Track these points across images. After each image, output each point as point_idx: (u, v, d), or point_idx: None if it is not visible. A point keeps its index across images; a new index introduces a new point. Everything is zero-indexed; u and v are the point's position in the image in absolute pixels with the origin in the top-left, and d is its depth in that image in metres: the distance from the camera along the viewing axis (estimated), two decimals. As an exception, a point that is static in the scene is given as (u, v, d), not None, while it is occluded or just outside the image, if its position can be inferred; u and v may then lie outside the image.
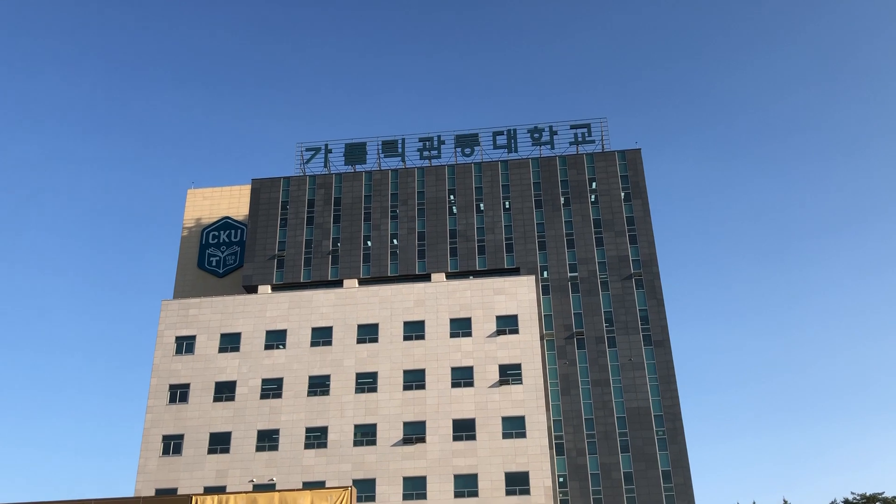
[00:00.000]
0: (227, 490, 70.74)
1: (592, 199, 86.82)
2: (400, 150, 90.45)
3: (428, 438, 72.02)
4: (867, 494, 76.87)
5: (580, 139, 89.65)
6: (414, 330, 77.52)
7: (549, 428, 74.43)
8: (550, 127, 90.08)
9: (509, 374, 74.25)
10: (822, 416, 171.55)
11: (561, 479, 74.53)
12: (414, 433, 72.50)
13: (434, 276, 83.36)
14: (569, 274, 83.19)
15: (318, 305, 79.55)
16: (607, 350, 79.42)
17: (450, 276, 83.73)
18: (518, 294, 78.04)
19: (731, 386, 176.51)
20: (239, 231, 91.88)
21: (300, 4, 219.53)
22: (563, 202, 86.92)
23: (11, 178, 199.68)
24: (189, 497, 41.38)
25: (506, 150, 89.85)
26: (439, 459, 71.14)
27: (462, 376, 74.77)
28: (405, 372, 75.42)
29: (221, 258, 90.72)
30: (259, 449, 73.38)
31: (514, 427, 71.89)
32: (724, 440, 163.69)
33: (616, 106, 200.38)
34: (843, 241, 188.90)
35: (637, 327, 79.99)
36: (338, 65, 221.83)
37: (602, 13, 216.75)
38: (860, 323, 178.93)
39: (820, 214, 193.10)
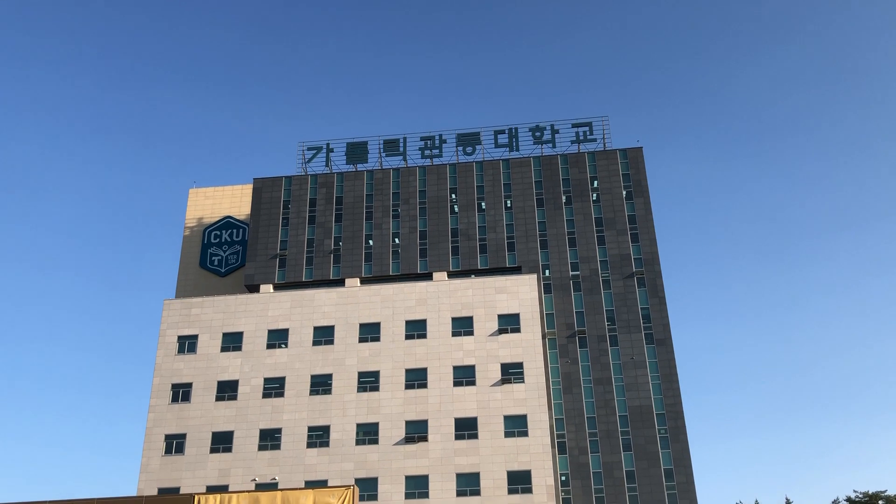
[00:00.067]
0: (230, 489, 70.80)
1: (594, 198, 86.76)
2: (401, 149, 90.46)
3: (430, 437, 72.04)
4: (869, 493, 76.82)
5: (582, 138, 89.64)
6: (416, 329, 77.54)
7: (551, 426, 74.46)
8: (552, 125, 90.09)
9: (511, 372, 74.25)
10: (824, 414, 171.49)
11: (563, 478, 74.55)
12: (416, 432, 72.52)
13: (436, 275, 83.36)
14: (570, 272, 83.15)
15: (319, 304, 79.59)
16: (609, 348, 79.40)
17: (451, 275, 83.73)
18: (520, 293, 78.02)
19: (733, 384, 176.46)
20: (241, 230, 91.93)
21: (301, 4, 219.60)
22: (564, 201, 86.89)
23: (13, 177, 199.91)
24: (191, 496, 41.43)
25: (507, 149, 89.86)
26: (441, 458, 71.16)
27: (464, 375, 74.78)
28: (407, 371, 75.44)
29: (223, 257, 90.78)
30: (261, 448, 73.44)
31: (516, 426, 71.89)
32: (726, 439, 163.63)
33: (618, 104, 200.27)
34: (844, 240, 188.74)
35: (639, 326, 79.97)
36: (339, 64, 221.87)
37: (603, 12, 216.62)
38: (862, 322, 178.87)
39: (821, 213, 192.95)
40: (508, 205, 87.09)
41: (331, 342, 77.66)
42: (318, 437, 73.51)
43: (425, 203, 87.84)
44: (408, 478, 70.75)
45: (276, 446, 73.36)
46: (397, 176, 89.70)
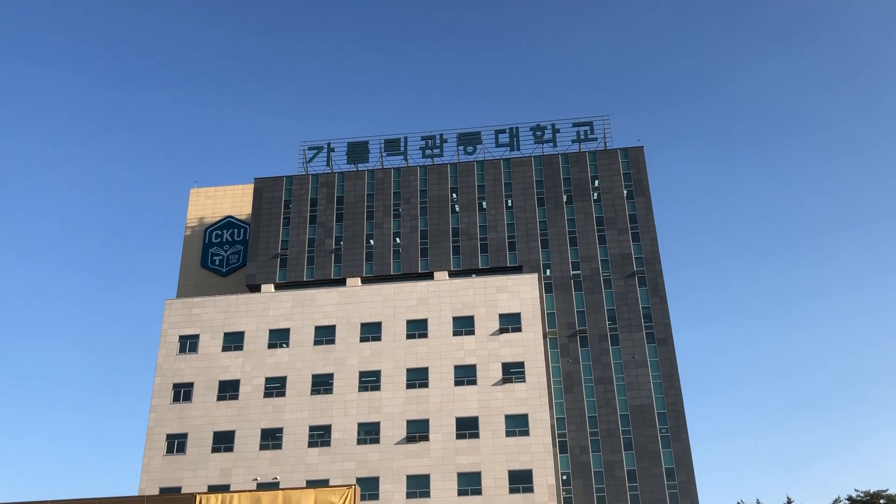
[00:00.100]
0: (231, 489, 70.84)
1: (595, 197, 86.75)
2: (402, 148, 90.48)
3: (431, 436, 72.08)
4: (871, 492, 76.78)
5: (583, 137, 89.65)
6: (417, 328, 77.57)
7: (552, 426, 74.46)
8: (553, 125, 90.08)
9: (512, 372, 74.28)
10: (826, 413, 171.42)
11: (564, 477, 74.57)
12: (417, 431, 72.56)
13: (437, 275, 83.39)
14: (571, 272, 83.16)
15: (321, 304, 79.64)
16: (610, 348, 79.42)
17: (452, 275, 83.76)
18: (521, 292, 78.04)
19: (734, 383, 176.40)
20: (242, 230, 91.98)
21: (303, 4, 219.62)
22: (565, 200, 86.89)
23: (14, 176, 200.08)
24: (193, 496, 41.40)
25: (508, 148, 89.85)
26: (443, 457, 71.19)
27: (465, 374, 74.80)
28: (408, 370, 75.48)
29: (224, 257, 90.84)
30: (263, 447, 73.50)
31: (517, 425, 71.91)
32: (728, 438, 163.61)
33: (618, 104, 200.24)
34: (846, 239, 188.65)
35: (640, 325, 79.98)
36: (340, 64, 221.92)
37: (604, 11, 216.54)
38: (863, 321, 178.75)
39: (823, 213, 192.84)
40: (509, 204, 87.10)
41: (332, 342, 77.70)
42: (320, 436, 73.56)
43: (426, 202, 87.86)
44: (409, 477, 70.79)
45: (278, 446, 73.41)
46: (398, 175, 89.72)
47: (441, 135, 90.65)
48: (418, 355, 76.08)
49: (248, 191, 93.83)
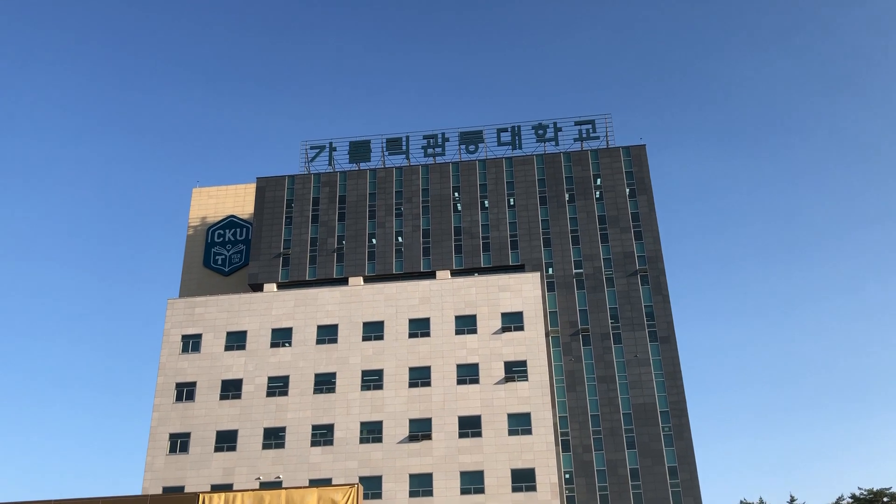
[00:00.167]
0: (234, 488, 70.93)
1: (597, 196, 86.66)
2: (404, 147, 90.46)
3: (434, 435, 72.10)
4: (874, 490, 76.77)
5: (585, 135, 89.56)
6: (419, 327, 77.56)
7: (554, 424, 74.44)
8: (555, 123, 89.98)
9: (515, 370, 74.25)
10: (829, 412, 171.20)
11: (567, 476, 74.54)
12: (420, 430, 72.57)
13: (439, 274, 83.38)
14: (574, 270, 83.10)
15: (323, 303, 79.68)
16: (613, 346, 79.35)
17: (455, 274, 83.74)
18: (523, 291, 78.00)
19: (737, 382, 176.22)
20: (244, 229, 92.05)
21: (305, 3, 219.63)
22: (567, 199, 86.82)
23: (17, 175, 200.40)
24: (196, 495, 41.46)
25: (510, 147, 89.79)
26: (445, 456, 71.21)
27: (467, 373, 74.79)
28: (411, 369, 75.49)
29: (227, 257, 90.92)
30: (265, 447, 73.57)
31: (519, 424, 71.90)
32: (731, 436, 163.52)
33: (620, 102, 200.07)
34: (849, 238, 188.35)
35: (643, 323, 79.89)
36: (342, 63, 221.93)
37: (606, 10, 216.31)
38: (866, 320, 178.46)
39: (826, 212, 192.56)
40: (511, 203, 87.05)
41: (334, 341, 77.75)
42: (322, 435, 73.61)
43: (428, 201, 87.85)
44: (412, 476, 70.82)
45: (281, 445, 73.47)
46: (400, 174, 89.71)
47: (443, 134, 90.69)
48: (421, 354, 76.09)
49: (250, 190, 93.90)
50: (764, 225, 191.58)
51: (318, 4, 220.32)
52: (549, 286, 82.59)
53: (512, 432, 71.59)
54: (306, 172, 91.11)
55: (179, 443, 74.60)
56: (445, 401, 73.59)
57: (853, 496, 78.20)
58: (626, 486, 73.61)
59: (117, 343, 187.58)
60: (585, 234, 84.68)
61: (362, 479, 69.87)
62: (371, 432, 73.22)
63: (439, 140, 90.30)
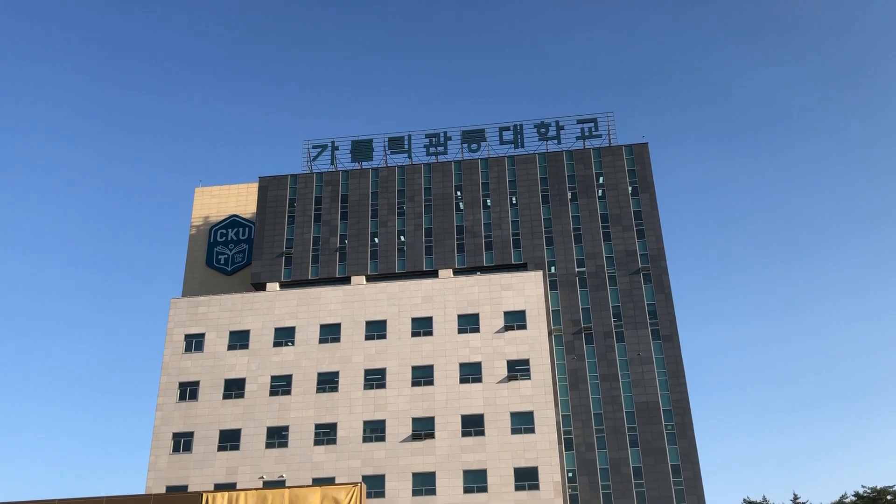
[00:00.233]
0: (238, 487, 71.03)
1: (600, 194, 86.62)
2: (406, 146, 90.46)
3: (437, 434, 72.14)
4: (878, 488, 76.72)
5: (587, 134, 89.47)
6: (422, 326, 77.59)
7: (557, 423, 74.43)
8: (557, 122, 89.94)
9: (517, 369, 74.25)
10: (832, 411, 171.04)
11: (570, 474, 74.56)
12: (423, 429, 72.62)
13: (441, 273, 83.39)
14: (576, 269, 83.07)
15: (326, 302, 79.73)
16: (615, 345, 79.33)
17: (457, 273, 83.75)
18: (525, 289, 77.99)
19: (740, 381, 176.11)
20: (247, 229, 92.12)
21: (307, 2, 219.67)
22: (570, 197, 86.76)
23: (19, 174, 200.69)
24: (199, 494, 41.54)
25: (512, 146, 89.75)
26: (448, 455, 71.24)
27: (470, 372, 74.80)
28: (413, 368, 75.53)
29: (230, 256, 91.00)
30: (269, 446, 73.65)
31: (522, 422, 71.92)
32: (734, 435, 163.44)
33: (622, 101, 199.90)
34: (851, 237, 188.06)
35: (645, 322, 79.85)
36: (344, 62, 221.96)
37: (608, 9, 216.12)
38: (869, 319, 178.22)
39: (828, 211, 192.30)
40: (514, 201, 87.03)
41: (337, 340, 77.81)
42: (325, 434, 73.68)
43: (430, 200, 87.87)
44: (415, 475, 70.87)
45: (284, 444, 73.56)
46: (402, 173, 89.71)
47: (445, 132, 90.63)
48: (423, 353, 76.12)
49: (252, 190, 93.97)
50: (766, 224, 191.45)
51: (320, 4, 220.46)
52: (552, 285, 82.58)
53: (515, 431, 71.62)
54: (308, 172, 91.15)
55: (183, 442, 74.71)
56: (448, 399, 73.62)
57: (856, 494, 78.16)
58: (629, 485, 73.58)
59: (120, 343, 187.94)
60: (588, 232, 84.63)
61: (365, 478, 69.94)
62: (374, 431, 73.27)
63: (441, 139, 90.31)
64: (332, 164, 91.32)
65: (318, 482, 69.38)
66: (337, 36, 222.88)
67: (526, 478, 69.62)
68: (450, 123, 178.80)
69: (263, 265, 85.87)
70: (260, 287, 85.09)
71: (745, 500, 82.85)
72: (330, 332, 78.30)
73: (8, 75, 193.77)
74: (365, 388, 75.12)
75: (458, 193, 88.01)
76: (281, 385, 76.22)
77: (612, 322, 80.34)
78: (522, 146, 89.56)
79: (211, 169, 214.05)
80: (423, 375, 75.18)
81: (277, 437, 74.03)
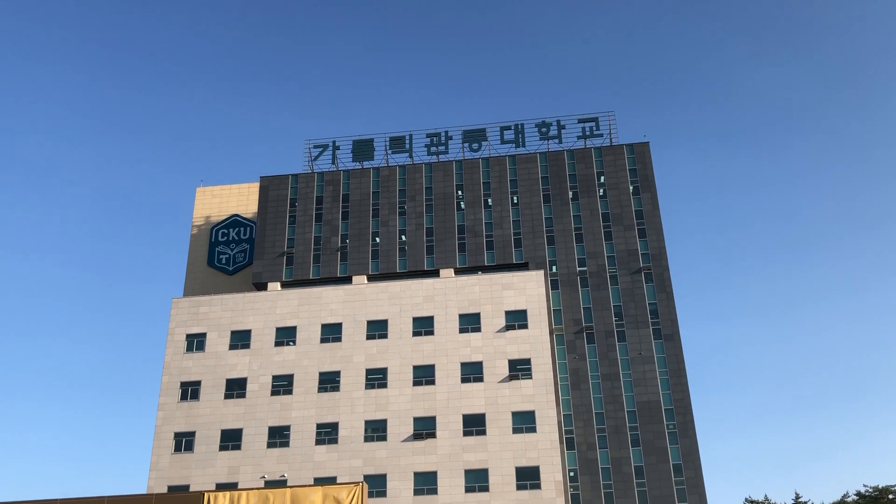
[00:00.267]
0: (239, 487, 71.07)
1: (601, 193, 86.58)
2: (407, 145, 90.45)
3: (438, 434, 72.14)
4: (880, 487, 76.65)
5: (588, 133, 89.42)
6: (423, 326, 77.59)
7: (559, 422, 74.41)
8: (558, 121, 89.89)
9: (519, 369, 74.24)
10: (834, 410, 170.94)
11: (571, 474, 74.55)
12: (424, 428, 72.63)
13: (442, 272, 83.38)
14: (578, 268, 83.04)
15: (327, 302, 79.74)
16: (617, 344, 79.29)
17: (458, 272, 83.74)
18: (527, 289, 77.97)
19: (741, 381, 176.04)
20: (248, 228, 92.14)
21: (308, 2, 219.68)
22: (571, 196, 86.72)
23: (20, 175, 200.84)
24: (201, 494, 41.59)
25: (513, 145, 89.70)
26: (450, 454, 71.25)
27: (471, 371, 74.80)
28: (415, 367, 75.53)
29: (231, 256, 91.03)
30: (270, 445, 73.69)
31: (524, 422, 71.92)
32: (736, 434, 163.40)
33: (624, 100, 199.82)
34: (852, 236, 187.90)
35: (647, 321, 79.81)
36: (345, 62, 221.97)
37: (609, 8, 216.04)
38: (871, 318, 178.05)
39: (830, 210, 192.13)
40: (515, 201, 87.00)
41: (338, 339, 77.83)
42: (327, 434, 73.70)
43: (432, 200, 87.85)
44: (416, 474, 70.88)
45: (285, 443, 73.59)
46: (403, 173, 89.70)
47: (446, 132, 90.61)
48: (425, 353, 76.12)
49: (253, 189, 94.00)
50: (766, 223, 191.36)
51: (322, 3, 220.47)
52: (553, 284, 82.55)
53: (516, 430, 71.61)
54: (310, 171, 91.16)
55: (184, 442, 74.75)
56: (450, 399, 73.63)
57: (858, 493, 78.10)
58: (630, 484, 73.56)
59: (122, 342, 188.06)
60: (589, 231, 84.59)
61: (367, 478, 69.96)
62: (375, 431, 73.28)
63: (442, 138, 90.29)
64: (333, 163, 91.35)
65: (319, 482, 69.41)
66: (338, 35, 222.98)
67: (527, 477, 69.62)
68: (451, 123, 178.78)
69: (265, 265, 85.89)
70: (261, 287, 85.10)
71: (746, 499, 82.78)
72: (331, 332, 78.32)
73: (8, 75, 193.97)
74: (366, 388, 75.13)
75: (460, 193, 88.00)
76: (282, 385, 76.24)
77: (613, 321, 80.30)
78: (523, 145, 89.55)
79: (212, 169, 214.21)
80: (424, 375, 75.18)
81: (279, 436, 74.06)
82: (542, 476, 69.36)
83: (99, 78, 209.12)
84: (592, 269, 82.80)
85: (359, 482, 41.40)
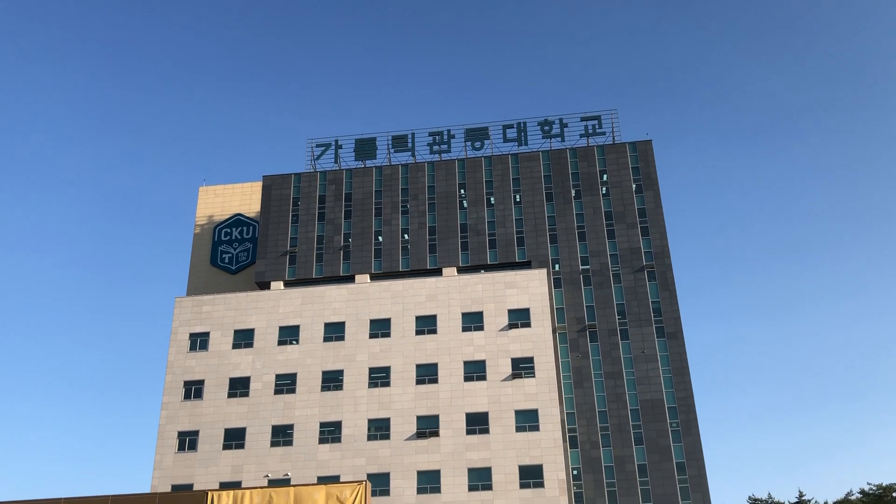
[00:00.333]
0: (243, 485, 71.13)
1: (603, 192, 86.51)
2: (410, 144, 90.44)
3: (441, 432, 72.16)
4: (883, 485, 76.58)
5: (591, 131, 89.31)
6: (426, 324, 77.59)
7: (562, 421, 74.42)
8: (561, 119, 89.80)
9: (522, 367, 74.22)
10: (837, 409, 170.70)
11: (575, 472, 74.52)
12: (427, 427, 72.64)
13: (445, 271, 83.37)
14: (580, 267, 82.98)
15: (330, 301, 79.77)
16: (620, 342, 79.23)
17: (461, 271, 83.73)
18: (530, 287, 77.94)
19: (745, 379, 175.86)
20: (251, 228, 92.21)
21: (310, 1, 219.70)
22: (574, 195, 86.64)
23: (22, 174, 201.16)
24: (205, 493, 41.63)
25: (516, 144, 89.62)
26: (453, 453, 71.26)
27: (475, 370, 74.79)
28: (418, 366, 75.54)
29: (234, 255, 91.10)
30: (273, 444, 73.77)
31: (527, 420, 71.90)
32: (739, 433, 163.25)
33: (627, 98, 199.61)
34: (855, 235, 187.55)
35: (650, 319, 79.74)
36: (347, 61, 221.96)
37: (612, 6, 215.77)
38: (873, 318, 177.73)
39: (832, 208, 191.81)
40: (517, 199, 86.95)
41: (341, 338, 77.85)
42: (330, 432, 73.75)
43: (434, 198, 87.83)
44: (420, 473, 70.91)
45: (289, 442, 73.65)
46: (406, 172, 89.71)
47: (448, 130, 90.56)
48: (427, 351, 76.14)
49: (256, 188, 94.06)
50: (769, 222, 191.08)
51: (324, 2, 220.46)
52: (556, 282, 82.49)
53: (519, 429, 71.59)
54: (312, 170, 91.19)
55: (188, 441, 74.85)
56: (453, 397, 73.64)
57: (862, 491, 78.04)
58: (633, 483, 73.54)
59: (125, 342, 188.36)
60: (592, 230, 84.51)
61: (370, 476, 70.01)
62: (379, 429, 73.32)
63: (445, 137, 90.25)
64: (335, 162, 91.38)
65: (322, 480, 69.45)
66: (340, 35, 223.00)
67: (531, 476, 69.61)
68: (453, 122, 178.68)
69: (268, 264, 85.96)
70: (264, 286, 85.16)
71: (750, 497, 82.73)
72: (334, 331, 78.36)
73: (8, 75, 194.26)
74: (369, 387, 75.16)
75: (462, 191, 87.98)
76: (286, 383, 76.30)
77: (616, 319, 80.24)
78: (526, 144, 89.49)
79: (215, 168, 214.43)
80: (427, 373, 75.19)
81: (282, 435, 74.14)
82: (546, 474, 69.36)
83: (100, 78, 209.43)
84: (595, 267, 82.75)
85: (362, 481, 41.43)
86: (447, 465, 70.84)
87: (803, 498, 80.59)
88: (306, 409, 74.77)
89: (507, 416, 72.20)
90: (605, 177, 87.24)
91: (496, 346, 75.50)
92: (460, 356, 75.49)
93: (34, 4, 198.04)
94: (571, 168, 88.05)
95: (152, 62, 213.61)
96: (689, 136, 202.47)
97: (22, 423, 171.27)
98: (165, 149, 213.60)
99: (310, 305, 79.76)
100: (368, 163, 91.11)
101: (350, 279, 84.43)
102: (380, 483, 70.23)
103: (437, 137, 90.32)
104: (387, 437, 72.74)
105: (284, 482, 70.52)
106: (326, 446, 73.15)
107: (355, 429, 73.35)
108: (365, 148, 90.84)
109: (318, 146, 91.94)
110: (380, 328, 77.95)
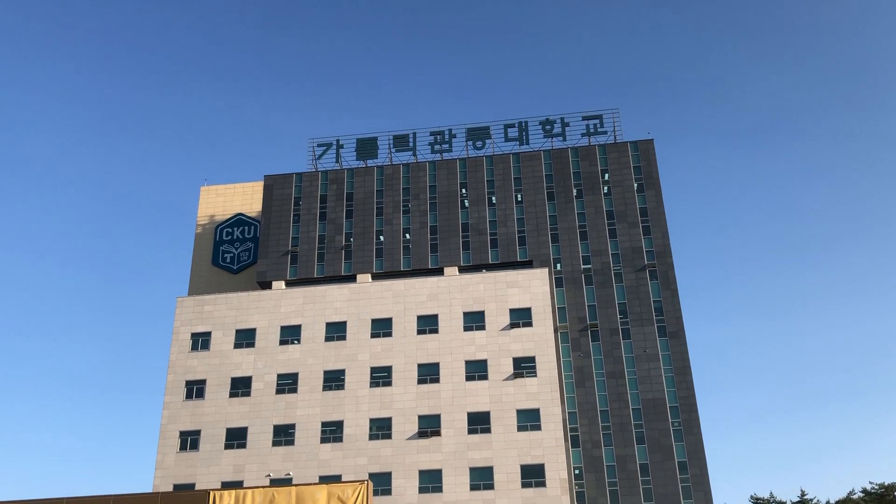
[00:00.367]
0: (244, 485, 71.14)
1: (605, 191, 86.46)
2: (411, 144, 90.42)
3: (443, 432, 72.15)
4: (885, 484, 76.50)
5: (592, 130, 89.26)
6: (427, 324, 77.57)
7: (564, 420, 74.36)
8: (562, 119, 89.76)
9: (523, 366, 74.20)
10: (839, 408, 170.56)
11: (576, 472, 74.50)
12: (429, 426, 72.63)
13: (447, 270, 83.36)
14: (582, 266, 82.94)
15: (331, 300, 79.77)
16: (622, 342, 79.19)
17: (462, 270, 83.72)
18: (531, 287, 77.90)
19: (746, 378, 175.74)
20: (252, 227, 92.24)
21: (311, 1, 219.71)
22: (575, 194, 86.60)
23: (24, 174, 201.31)
24: (206, 492, 41.66)
25: (517, 143, 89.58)
26: (454, 452, 71.25)
27: (476, 369, 74.77)
28: (419, 366, 75.52)
29: (235, 254, 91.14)
30: (275, 444, 73.78)
31: (528, 420, 71.86)
32: (741, 432, 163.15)
33: (628, 97, 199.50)
34: (856, 235, 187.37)
35: (651, 318, 79.69)
36: (349, 61, 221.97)
37: (613, 5, 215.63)
38: (874, 318, 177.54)
39: (833, 207, 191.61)
40: (519, 199, 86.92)
41: (343, 338, 77.85)
42: (332, 432, 73.75)
43: (436, 198, 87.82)
44: (421, 472, 70.89)
45: (290, 442, 73.66)
46: (407, 171, 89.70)
47: (450, 130, 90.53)
48: (429, 351, 76.13)
49: (258, 188, 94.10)
50: (771, 222, 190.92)
51: (325, 2, 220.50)
52: (558, 282, 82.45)
53: (521, 428, 71.57)
54: (314, 170, 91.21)
55: (190, 440, 74.88)
56: (454, 397, 73.62)
57: (864, 491, 77.97)
58: (635, 482, 73.51)
59: (127, 341, 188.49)
60: (593, 229, 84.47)
61: (372, 476, 70.01)
62: (380, 429, 73.31)
63: (446, 136, 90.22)
64: (337, 162, 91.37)
65: (324, 480, 69.48)
66: (341, 35, 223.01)
67: (532, 475, 69.58)
68: (454, 121, 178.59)
69: (269, 263, 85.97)
70: (266, 285, 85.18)
71: (752, 496, 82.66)
72: (336, 330, 78.37)
73: (8, 74, 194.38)
74: (371, 386, 75.16)
75: (464, 191, 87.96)
76: (287, 383, 76.31)
77: (618, 319, 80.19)
78: (527, 143, 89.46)
79: (216, 168, 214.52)
80: (429, 373, 75.18)
81: (284, 435, 74.15)
82: (547, 474, 69.33)
83: (101, 78, 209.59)
84: (597, 266, 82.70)
85: (364, 480, 41.44)
86: (449, 464, 70.83)
87: (805, 497, 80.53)
88: (308, 408, 74.78)
89: (509, 415, 72.18)
90: (606, 176, 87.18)
91: (498, 346, 75.48)
92: (462, 356, 75.48)
93: (35, 4, 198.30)
94: (573, 167, 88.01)
95: (154, 62, 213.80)
96: (690, 136, 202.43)
97: (22, 423, 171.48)
98: (167, 148, 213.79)
99: (311, 305, 79.76)
100: (370, 162, 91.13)
101: (351, 279, 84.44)
102: (381, 482, 70.23)
103: (438, 137, 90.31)
104: (388, 436, 72.74)
105: (286, 482, 70.52)
106: (328, 446, 73.16)
107: (357, 428, 73.35)
108: (366, 147, 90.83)
109: (319, 146, 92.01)
110: (381, 328, 77.95)
